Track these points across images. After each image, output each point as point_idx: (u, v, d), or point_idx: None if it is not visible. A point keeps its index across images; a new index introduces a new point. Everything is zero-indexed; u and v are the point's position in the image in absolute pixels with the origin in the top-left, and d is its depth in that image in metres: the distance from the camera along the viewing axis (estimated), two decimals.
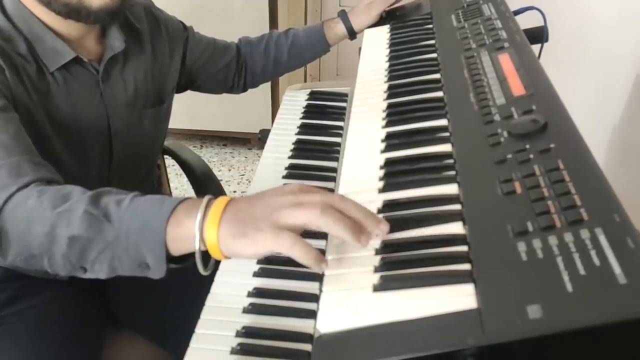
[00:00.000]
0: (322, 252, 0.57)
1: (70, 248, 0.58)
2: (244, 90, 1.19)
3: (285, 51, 1.13)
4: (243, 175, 2.41)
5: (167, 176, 1.28)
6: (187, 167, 1.19)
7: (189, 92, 1.13)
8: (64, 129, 0.85)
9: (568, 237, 0.47)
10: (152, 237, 0.55)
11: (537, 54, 0.85)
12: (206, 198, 0.56)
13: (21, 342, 0.83)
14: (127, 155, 0.94)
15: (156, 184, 1.14)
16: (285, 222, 0.52)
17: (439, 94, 0.81)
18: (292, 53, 1.13)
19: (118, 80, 0.91)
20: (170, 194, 1.26)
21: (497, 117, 0.67)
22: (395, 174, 0.68)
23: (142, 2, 0.99)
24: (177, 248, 0.56)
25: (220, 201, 0.55)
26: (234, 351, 0.62)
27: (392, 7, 1.13)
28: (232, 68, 1.13)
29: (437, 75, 0.86)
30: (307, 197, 0.53)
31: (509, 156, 0.59)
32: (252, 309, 0.67)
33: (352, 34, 1.12)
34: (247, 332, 0.64)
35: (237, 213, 0.54)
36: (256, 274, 0.72)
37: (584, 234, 0.46)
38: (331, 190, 0.83)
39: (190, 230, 0.54)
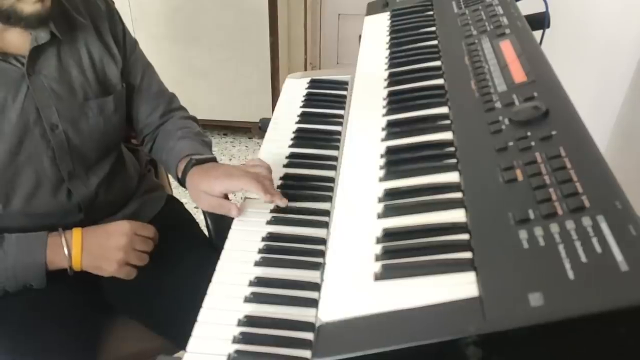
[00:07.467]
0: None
1: None
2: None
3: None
4: (244, 164, 2.41)
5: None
6: None
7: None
8: None
9: (569, 224, 0.46)
10: (34, 273, 0.85)
11: (538, 41, 0.85)
12: (63, 239, 0.85)
13: (14, 332, 0.83)
14: (76, 148, 0.90)
15: (138, 167, 1.10)
16: (117, 272, 0.86)
17: (440, 81, 0.81)
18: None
19: (50, 72, 0.86)
20: (169, 185, 1.26)
21: (498, 105, 0.66)
22: (396, 162, 0.68)
23: None
24: (54, 269, 0.86)
25: (76, 239, 0.85)
26: (235, 340, 0.62)
27: None
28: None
29: (437, 63, 0.85)
30: (130, 255, 0.86)
31: (510, 143, 0.59)
32: (253, 298, 0.67)
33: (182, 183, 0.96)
34: (249, 321, 0.64)
35: (92, 250, 0.86)
36: (257, 263, 0.72)
37: (586, 221, 0.46)
38: (332, 180, 0.84)
39: (62, 263, 0.85)
